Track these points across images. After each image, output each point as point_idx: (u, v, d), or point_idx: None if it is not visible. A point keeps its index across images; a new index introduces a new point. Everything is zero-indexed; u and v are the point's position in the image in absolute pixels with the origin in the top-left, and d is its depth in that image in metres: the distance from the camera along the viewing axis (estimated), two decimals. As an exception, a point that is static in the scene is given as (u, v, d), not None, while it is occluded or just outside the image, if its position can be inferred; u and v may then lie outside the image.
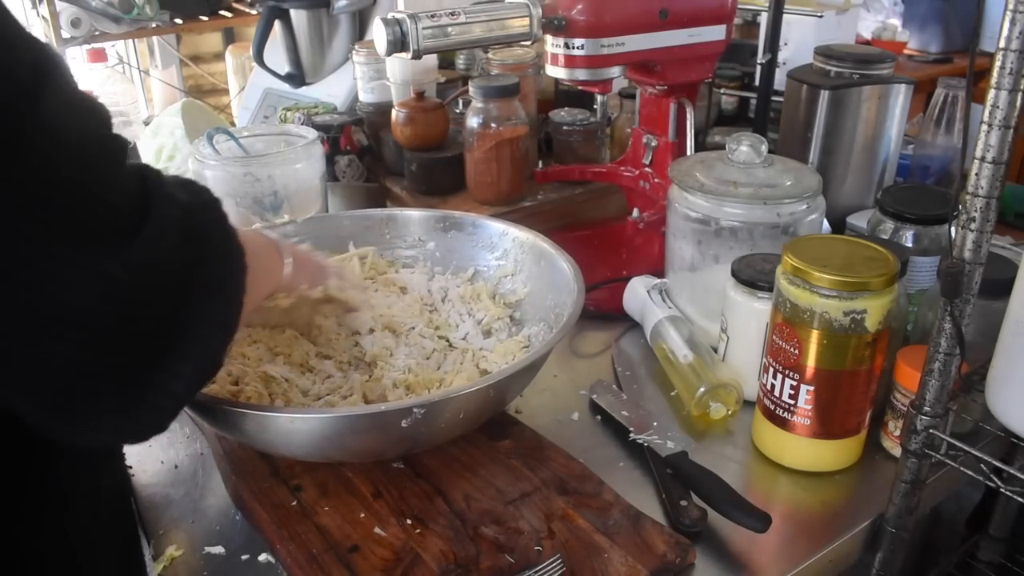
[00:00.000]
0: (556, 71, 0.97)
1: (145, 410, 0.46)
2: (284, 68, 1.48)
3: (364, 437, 0.67)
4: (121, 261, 0.42)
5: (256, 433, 0.67)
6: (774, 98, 1.26)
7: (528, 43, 1.04)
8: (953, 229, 0.57)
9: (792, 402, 0.72)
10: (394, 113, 1.16)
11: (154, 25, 1.84)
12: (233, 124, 1.64)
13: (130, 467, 0.77)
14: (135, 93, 1.70)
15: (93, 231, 0.41)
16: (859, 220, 1.08)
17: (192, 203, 0.48)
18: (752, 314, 0.80)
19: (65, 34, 1.73)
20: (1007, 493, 0.62)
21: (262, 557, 0.66)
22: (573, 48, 0.93)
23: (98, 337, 0.42)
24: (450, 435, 0.71)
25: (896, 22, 2.38)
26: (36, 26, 1.89)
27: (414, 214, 0.96)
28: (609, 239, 1.11)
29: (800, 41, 1.44)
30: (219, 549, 0.68)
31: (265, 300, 0.71)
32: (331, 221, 0.98)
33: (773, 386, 0.74)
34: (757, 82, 1.30)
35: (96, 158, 0.42)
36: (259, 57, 1.45)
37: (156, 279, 0.44)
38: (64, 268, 0.40)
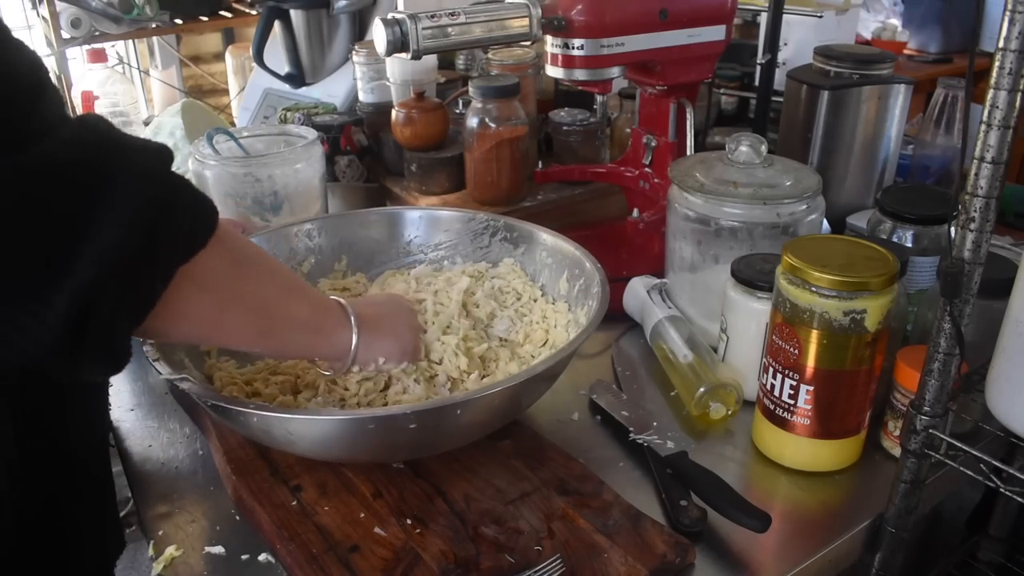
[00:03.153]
0: (556, 71, 0.97)
1: (30, 320, 0.43)
2: (284, 68, 1.48)
3: (396, 437, 0.66)
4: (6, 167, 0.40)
5: (265, 433, 0.67)
6: (774, 98, 1.26)
7: (528, 43, 1.04)
8: (953, 229, 0.57)
9: (792, 402, 0.72)
10: (394, 113, 1.16)
11: (154, 25, 1.84)
12: (233, 124, 1.64)
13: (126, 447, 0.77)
14: (135, 93, 1.70)
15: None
16: (859, 220, 1.08)
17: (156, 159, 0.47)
18: (752, 314, 0.80)
19: (65, 34, 1.73)
20: (1007, 493, 0.62)
21: (262, 557, 0.66)
22: (573, 48, 0.93)
23: None
24: (479, 432, 0.72)
25: (896, 22, 2.38)
26: (36, 26, 1.89)
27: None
28: (609, 239, 1.11)
29: (800, 41, 1.45)
30: (219, 549, 0.68)
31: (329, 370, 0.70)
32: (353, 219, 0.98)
33: (773, 386, 0.74)
34: (757, 82, 1.30)
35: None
36: (259, 57, 1.45)
37: (46, 190, 0.42)
38: None
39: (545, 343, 0.84)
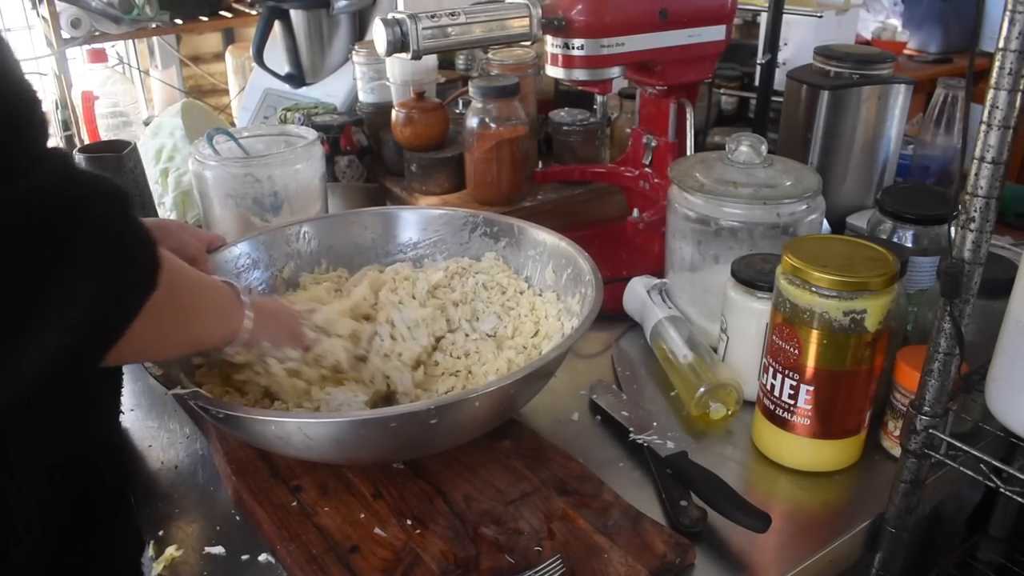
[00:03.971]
0: (556, 71, 0.97)
1: None
2: (284, 68, 1.48)
3: (391, 438, 0.66)
4: None
5: (281, 440, 0.67)
6: (774, 98, 1.26)
7: (528, 43, 1.04)
8: (953, 229, 0.57)
9: (792, 402, 0.72)
10: (394, 113, 1.16)
11: (154, 25, 1.84)
12: (233, 124, 1.64)
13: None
14: (135, 93, 1.70)
15: None
16: (859, 220, 1.08)
17: (91, 189, 0.46)
18: (752, 314, 0.80)
19: (65, 34, 1.72)
20: (1007, 493, 0.62)
21: (262, 557, 0.66)
22: (573, 48, 0.93)
23: None
24: (473, 431, 0.72)
25: (896, 22, 2.38)
26: (36, 26, 1.89)
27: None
28: (609, 239, 1.11)
29: (800, 41, 1.45)
30: (219, 549, 0.68)
31: (218, 351, 0.68)
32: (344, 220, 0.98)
33: (773, 386, 0.74)
34: (757, 82, 1.30)
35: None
36: (259, 57, 1.45)
37: (13, 234, 0.41)
38: None
39: (536, 334, 0.84)
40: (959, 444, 0.62)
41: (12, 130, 0.43)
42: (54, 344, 0.44)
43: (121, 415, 0.79)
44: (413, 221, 0.97)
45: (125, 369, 0.85)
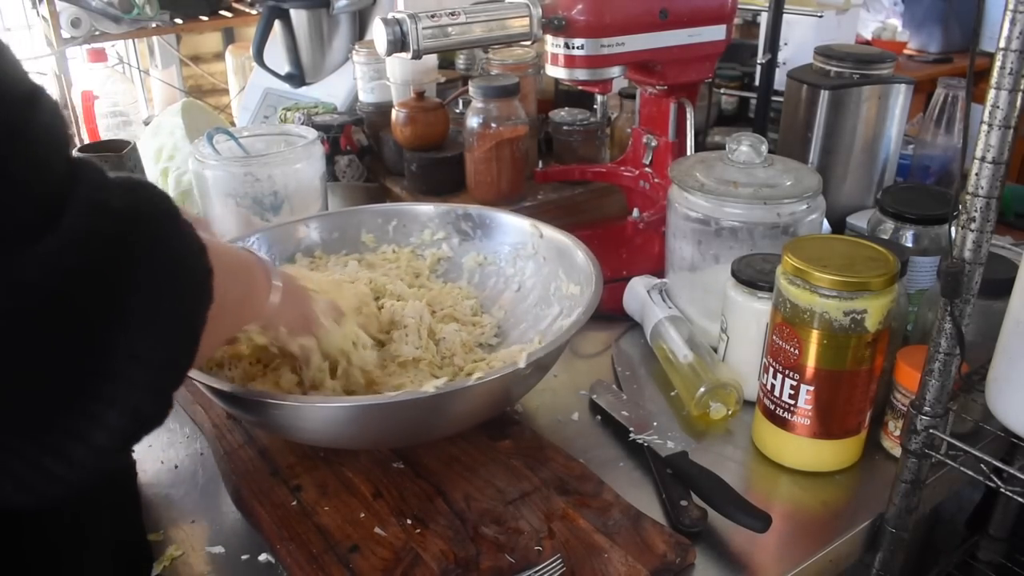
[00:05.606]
0: (556, 71, 0.97)
1: (54, 461, 0.37)
2: (284, 68, 1.48)
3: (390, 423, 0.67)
4: (33, 259, 0.34)
5: (270, 420, 0.68)
6: (774, 98, 1.26)
7: (528, 43, 1.04)
8: (953, 229, 0.57)
9: (792, 402, 0.72)
10: (394, 113, 1.16)
11: (154, 25, 1.84)
12: (233, 124, 1.64)
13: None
14: (135, 93, 1.70)
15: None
16: (859, 220, 1.08)
17: (130, 211, 0.40)
18: (752, 314, 0.80)
19: (65, 34, 1.73)
20: (1007, 493, 0.62)
21: (262, 557, 0.66)
22: (573, 48, 0.93)
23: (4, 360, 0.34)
24: (471, 421, 0.73)
25: (896, 22, 2.38)
26: (36, 26, 1.89)
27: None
28: (609, 239, 1.11)
29: (800, 41, 1.44)
30: (219, 549, 0.67)
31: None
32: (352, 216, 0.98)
33: (773, 386, 0.74)
34: (757, 82, 1.30)
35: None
36: (259, 57, 1.45)
37: (72, 285, 0.36)
38: None
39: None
40: (959, 444, 0.62)
41: (36, 165, 0.36)
42: (142, 383, 0.39)
43: None
44: (413, 218, 0.97)
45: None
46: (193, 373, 0.66)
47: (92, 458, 0.38)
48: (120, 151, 1.02)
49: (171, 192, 1.17)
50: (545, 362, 0.71)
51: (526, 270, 0.91)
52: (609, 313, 1.00)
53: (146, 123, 1.58)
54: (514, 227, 0.93)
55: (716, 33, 1.00)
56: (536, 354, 0.68)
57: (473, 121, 1.08)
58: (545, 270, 0.89)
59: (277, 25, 1.44)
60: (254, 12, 1.93)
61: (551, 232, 0.89)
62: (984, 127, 0.53)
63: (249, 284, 0.60)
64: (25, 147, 0.35)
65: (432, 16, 0.86)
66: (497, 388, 0.68)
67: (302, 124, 1.24)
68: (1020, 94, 0.51)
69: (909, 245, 0.90)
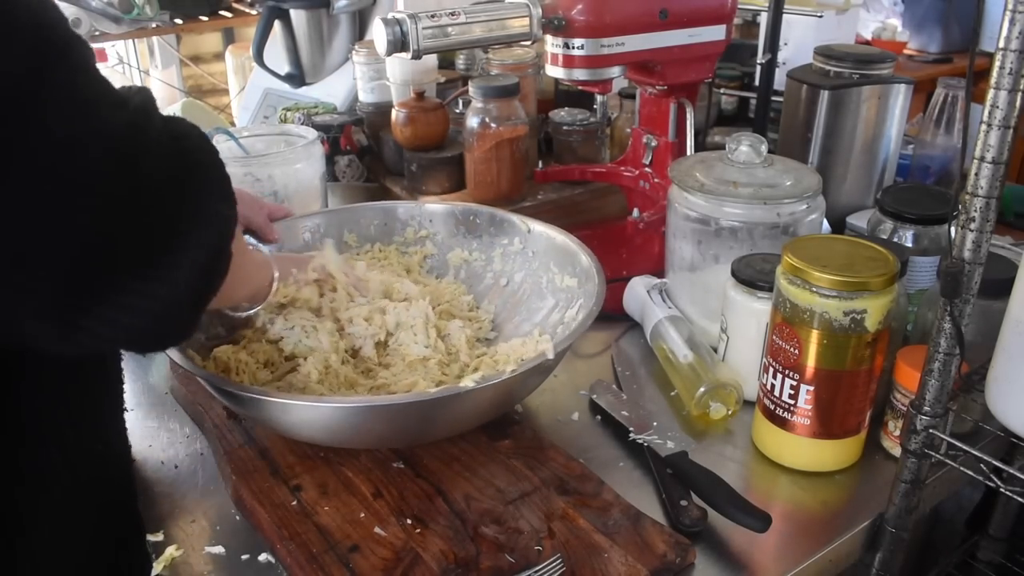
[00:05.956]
0: (556, 71, 0.97)
1: (147, 299, 0.45)
2: (284, 68, 1.48)
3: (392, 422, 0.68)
4: (121, 117, 0.43)
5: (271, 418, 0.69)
6: (774, 98, 1.26)
7: (528, 43, 1.04)
8: (953, 229, 0.57)
9: (792, 402, 0.72)
10: (394, 113, 1.16)
11: (154, 25, 1.84)
12: (233, 124, 1.64)
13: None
14: (135, 93, 1.70)
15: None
16: (859, 220, 1.08)
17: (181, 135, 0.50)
18: (752, 314, 0.80)
19: (65, 34, 1.72)
20: (1007, 493, 0.62)
21: (262, 557, 0.66)
22: (573, 48, 0.93)
23: (112, 205, 0.42)
24: (470, 423, 0.73)
25: (896, 22, 2.38)
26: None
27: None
28: (609, 239, 1.11)
29: (800, 41, 1.44)
30: (219, 549, 0.68)
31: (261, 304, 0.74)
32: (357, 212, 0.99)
33: (773, 386, 0.74)
34: (757, 82, 1.30)
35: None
36: (259, 57, 1.45)
37: (155, 145, 0.45)
38: (74, 125, 0.40)
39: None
40: (959, 444, 0.62)
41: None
42: (199, 263, 0.47)
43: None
44: (412, 215, 0.97)
45: (125, 368, 0.84)
46: (200, 373, 0.68)
47: (173, 294, 0.46)
48: (120, 151, 1.02)
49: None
50: (558, 353, 0.72)
51: (515, 265, 0.92)
52: (609, 313, 1.00)
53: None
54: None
55: (716, 33, 1.00)
56: (562, 343, 0.70)
57: (473, 121, 1.08)
58: (535, 264, 0.90)
59: (277, 25, 1.44)
60: (254, 12, 1.93)
61: (539, 227, 0.90)
62: (984, 127, 0.53)
63: (255, 260, 0.72)
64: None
65: (432, 16, 0.86)
66: (517, 382, 0.69)
67: (302, 124, 1.24)
68: (1020, 94, 0.51)
69: (909, 245, 0.90)
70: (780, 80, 1.23)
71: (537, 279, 0.89)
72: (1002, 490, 0.62)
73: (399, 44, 0.86)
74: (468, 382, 0.65)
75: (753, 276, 0.80)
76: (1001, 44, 0.51)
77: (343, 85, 1.44)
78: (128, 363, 0.84)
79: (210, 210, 0.49)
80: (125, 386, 0.87)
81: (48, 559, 0.52)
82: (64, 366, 0.52)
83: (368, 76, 1.28)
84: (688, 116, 1.04)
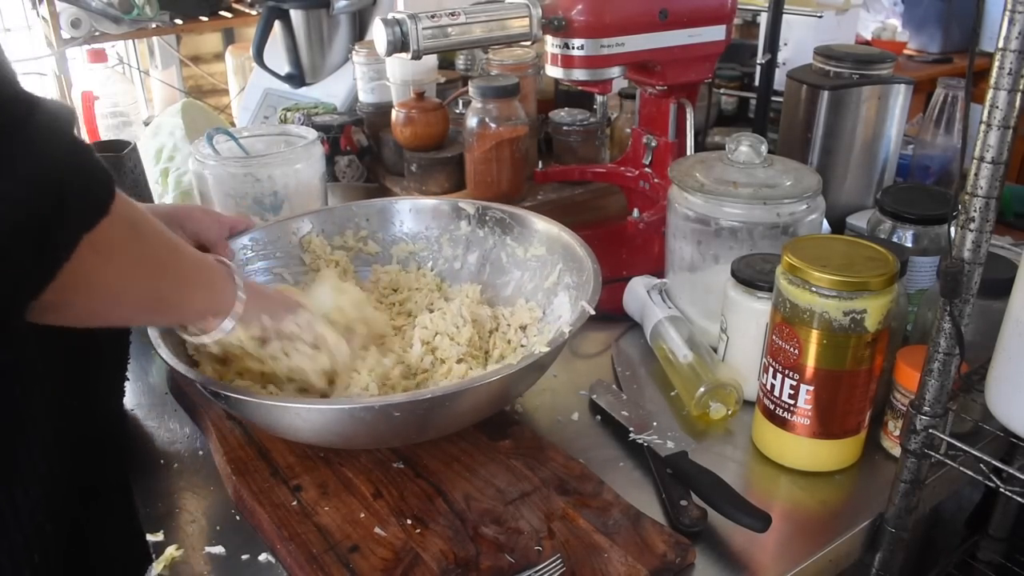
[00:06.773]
0: (556, 71, 0.97)
1: None
2: (284, 68, 1.48)
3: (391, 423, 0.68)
4: None
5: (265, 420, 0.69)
6: (774, 98, 1.26)
7: (528, 43, 1.04)
8: (953, 229, 0.57)
9: (792, 402, 0.72)
10: (394, 113, 1.17)
11: (154, 25, 1.84)
12: (233, 124, 1.64)
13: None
14: (135, 93, 1.70)
15: None
16: (859, 220, 1.08)
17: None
18: (752, 314, 0.80)
19: (65, 34, 1.73)
20: (1007, 493, 0.62)
21: (262, 557, 0.67)
22: (573, 48, 0.94)
23: None
24: (466, 421, 0.73)
25: (896, 22, 2.38)
26: (36, 27, 1.89)
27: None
28: (609, 239, 1.11)
29: (800, 41, 1.45)
30: (219, 549, 0.68)
31: (220, 333, 0.67)
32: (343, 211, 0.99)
33: (773, 386, 0.74)
34: (757, 82, 1.30)
35: None
36: (259, 57, 1.45)
37: None
38: None
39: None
40: (959, 444, 0.63)
41: None
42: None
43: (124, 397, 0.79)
44: (413, 213, 0.97)
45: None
46: (201, 379, 0.68)
47: None
48: (120, 151, 1.02)
49: (171, 192, 1.17)
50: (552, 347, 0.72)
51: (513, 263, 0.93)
52: (609, 313, 1.00)
53: (146, 124, 1.58)
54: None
55: (716, 33, 1.01)
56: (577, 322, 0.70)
57: (473, 121, 1.08)
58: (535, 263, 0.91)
59: (277, 25, 1.44)
60: (254, 12, 1.93)
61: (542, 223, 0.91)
62: (983, 127, 0.53)
63: (202, 269, 0.64)
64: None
65: (432, 16, 0.86)
66: (514, 378, 0.68)
67: (302, 124, 1.24)
68: (1019, 94, 0.51)
69: (909, 245, 0.90)
70: (780, 80, 1.23)
71: (507, 254, 0.91)
72: (1002, 490, 0.62)
73: (399, 44, 0.86)
74: (458, 377, 0.65)
75: (753, 276, 0.80)
76: (1001, 44, 0.51)
77: (343, 85, 1.44)
78: (128, 363, 0.84)
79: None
80: (125, 386, 0.87)
81: (51, 560, 0.52)
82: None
83: (368, 76, 1.28)
84: (688, 116, 1.04)
